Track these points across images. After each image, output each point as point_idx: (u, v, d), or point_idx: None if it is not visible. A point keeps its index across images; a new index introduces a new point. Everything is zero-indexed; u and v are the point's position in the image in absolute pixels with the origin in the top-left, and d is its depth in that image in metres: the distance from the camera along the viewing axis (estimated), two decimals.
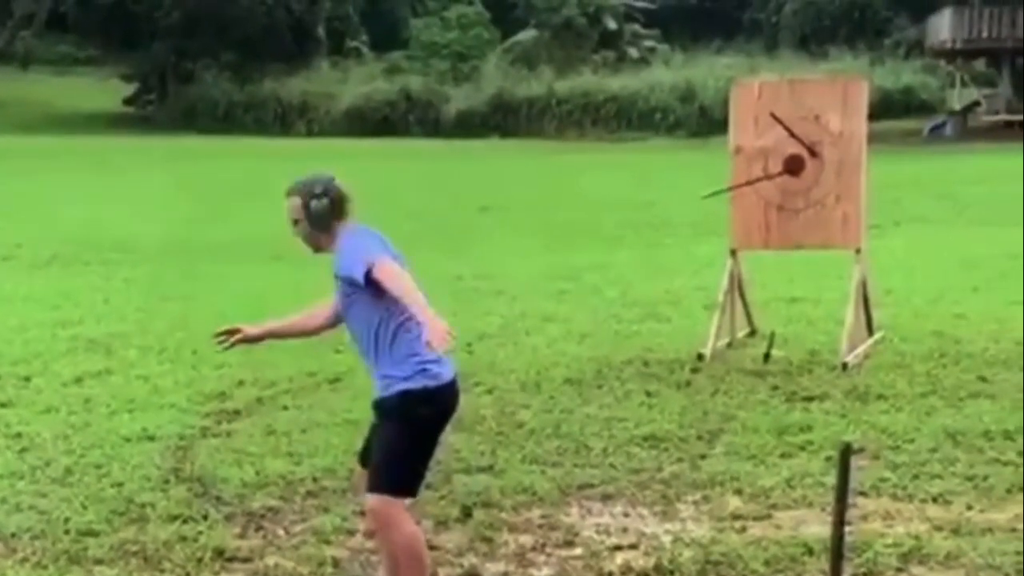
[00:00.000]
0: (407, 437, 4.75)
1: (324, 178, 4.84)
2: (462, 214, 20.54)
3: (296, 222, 4.84)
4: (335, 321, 5.04)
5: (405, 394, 4.71)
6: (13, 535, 5.71)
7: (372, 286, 4.60)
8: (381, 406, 4.82)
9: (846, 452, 3.69)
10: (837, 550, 3.79)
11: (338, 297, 4.86)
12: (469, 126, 45.92)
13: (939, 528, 5.68)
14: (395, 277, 4.57)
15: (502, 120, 46.64)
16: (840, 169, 9.46)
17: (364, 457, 4.98)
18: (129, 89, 54.44)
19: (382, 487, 4.73)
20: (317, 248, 4.89)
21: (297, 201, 4.82)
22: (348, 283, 4.71)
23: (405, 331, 4.68)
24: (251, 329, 5.21)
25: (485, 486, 6.32)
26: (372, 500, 4.75)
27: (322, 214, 4.77)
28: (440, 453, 6.38)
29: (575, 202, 22.81)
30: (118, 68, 55.45)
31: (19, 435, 7.34)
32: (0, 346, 10.00)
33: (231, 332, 5.18)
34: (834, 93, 9.61)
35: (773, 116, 9.41)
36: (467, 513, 5.98)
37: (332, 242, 4.80)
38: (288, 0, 51.89)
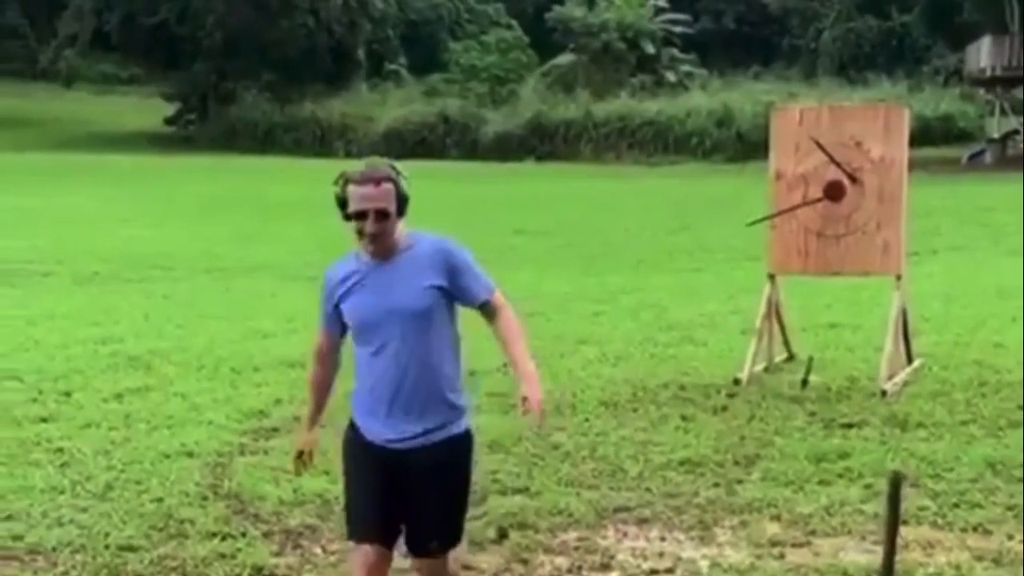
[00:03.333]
0: (470, 478, 4.39)
1: None
2: (497, 236, 20.58)
3: (384, 215, 4.20)
4: (339, 358, 4.50)
5: (469, 433, 4.35)
6: (54, 549, 5.75)
7: (453, 308, 4.31)
8: (443, 449, 4.26)
9: (897, 482, 3.66)
10: None
11: (414, 305, 4.22)
12: (506, 149, 46.13)
13: (980, 558, 5.63)
14: (512, 311, 4.38)
15: (539, 143, 46.82)
16: (881, 196, 9.43)
17: (383, 528, 4.29)
18: (170, 109, 55.02)
19: (455, 543, 4.35)
20: (389, 246, 4.26)
21: (390, 187, 4.22)
22: (448, 296, 4.27)
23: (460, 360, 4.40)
24: (311, 434, 4.56)
25: (521, 507, 6.32)
26: (446, 564, 4.30)
27: (408, 196, 4.27)
28: (475, 474, 6.40)
29: (610, 225, 22.83)
30: (160, 88, 56.09)
31: (60, 450, 7.39)
32: (42, 361, 10.10)
33: (302, 455, 4.57)
34: (875, 120, 9.59)
35: (815, 142, 9.39)
36: (503, 534, 5.98)
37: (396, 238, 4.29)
38: (329, 23, 52.35)
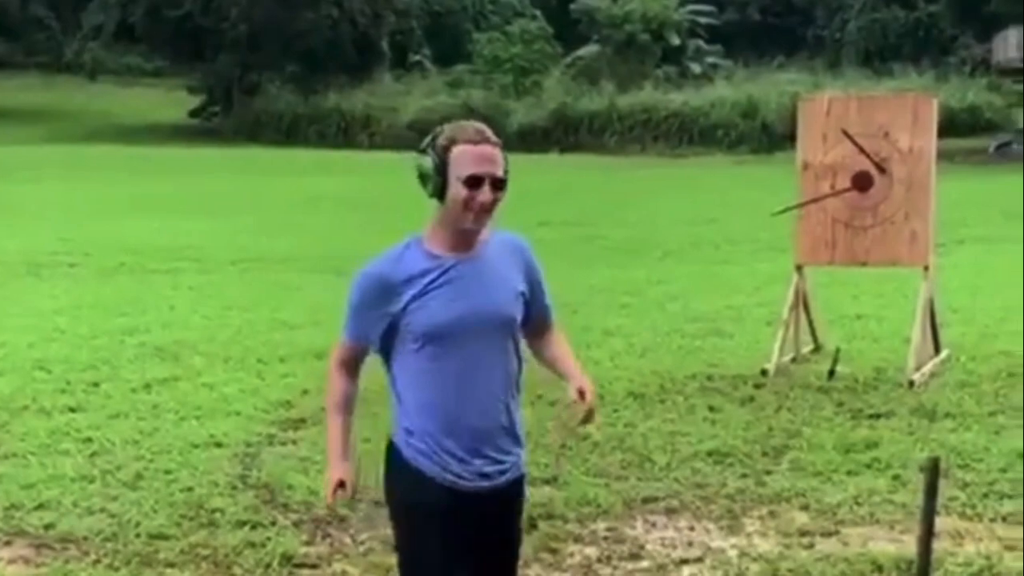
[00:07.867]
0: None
1: None
2: (522, 228, 20.50)
3: (500, 184, 3.43)
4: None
5: (525, 473, 3.69)
6: (85, 538, 5.79)
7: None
8: (517, 492, 3.64)
9: (934, 469, 3.64)
10: (924, 570, 3.74)
11: (507, 312, 3.53)
12: (530, 140, 46.06)
13: (1010, 548, 5.61)
14: None
15: (563, 135, 46.78)
16: (909, 186, 9.40)
17: None
18: (195, 101, 55.20)
19: None
20: (478, 236, 3.51)
21: (499, 154, 3.45)
22: (523, 304, 3.61)
23: None
24: (347, 463, 3.65)
25: (549, 498, 6.33)
26: None
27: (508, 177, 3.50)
28: None
29: (636, 217, 22.79)
30: (185, 80, 56.31)
31: (89, 439, 7.44)
32: (69, 352, 10.15)
33: (342, 486, 3.63)
34: (903, 110, 9.55)
35: (844, 132, 9.36)
36: (532, 524, 5.98)
37: None
38: (352, 14, 52.42)
